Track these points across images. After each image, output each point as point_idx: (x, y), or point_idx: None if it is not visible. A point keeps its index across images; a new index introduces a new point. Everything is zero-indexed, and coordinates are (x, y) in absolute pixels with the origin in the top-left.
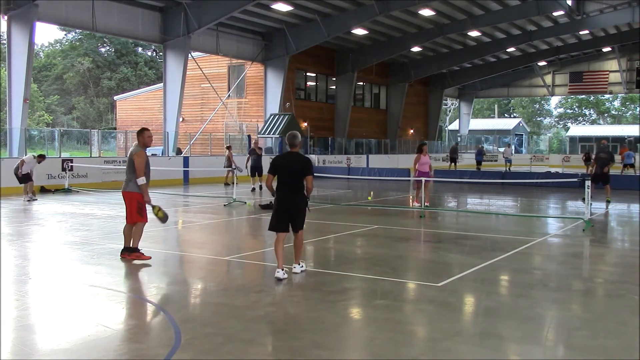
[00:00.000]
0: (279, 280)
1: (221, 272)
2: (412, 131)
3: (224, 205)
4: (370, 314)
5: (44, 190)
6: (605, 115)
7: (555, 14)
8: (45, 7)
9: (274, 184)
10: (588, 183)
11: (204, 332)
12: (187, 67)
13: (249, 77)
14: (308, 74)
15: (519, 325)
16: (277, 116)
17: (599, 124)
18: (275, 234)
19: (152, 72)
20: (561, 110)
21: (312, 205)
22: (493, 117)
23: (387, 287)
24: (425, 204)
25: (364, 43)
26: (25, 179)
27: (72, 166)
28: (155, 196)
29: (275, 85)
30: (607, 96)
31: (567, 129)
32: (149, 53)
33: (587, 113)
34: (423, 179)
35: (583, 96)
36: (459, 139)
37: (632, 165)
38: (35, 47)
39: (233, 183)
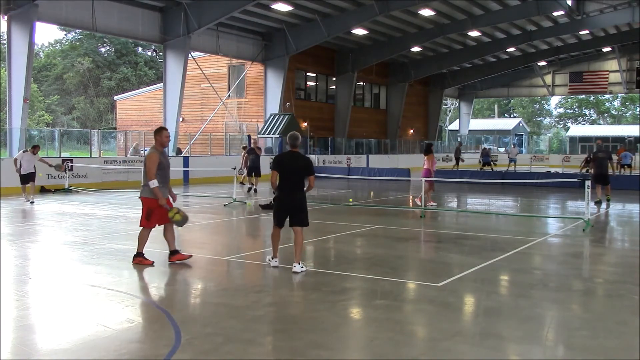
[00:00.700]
0: (271, 267)
1: (221, 272)
2: (412, 131)
3: (224, 205)
4: (370, 314)
5: (44, 190)
6: (605, 115)
7: (555, 14)
8: (45, 7)
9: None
10: (588, 183)
11: (204, 332)
12: (187, 67)
13: (249, 77)
14: (308, 74)
15: (519, 325)
16: (277, 116)
17: (599, 124)
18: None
19: (152, 72)
20: (561, 110)
21: (313, 206)
22: (493, 117)
23: (387, 287)
24: (432, 203)
25: (364, 43)
26: (25, 178)
27: (72, 166)
28: None
29: (275, 85)
30: (607, 96)
31: (567, 129)
32: (149, 53)
33: (587, 113)
34: (433, 179)
35: (583, 96)
36: (459, 138)
37: (630, 166)
38: (35, 47)
39: (243, 183)
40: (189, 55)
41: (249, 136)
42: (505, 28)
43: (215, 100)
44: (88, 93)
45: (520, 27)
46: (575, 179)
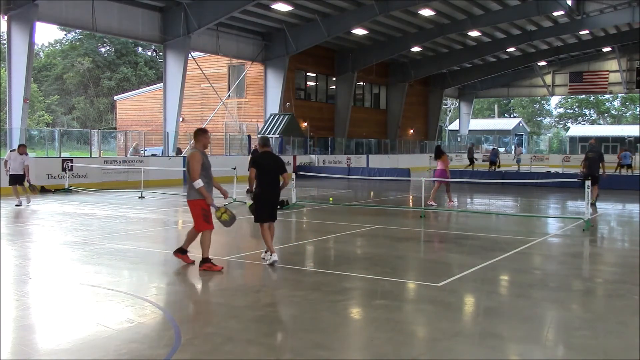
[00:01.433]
0: (274, 263)
1: (221, 272)
2: (412, 131)
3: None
4: (370, 314)
5: (44, 190)
6: (605, 115)
7: (555, 14)
8: (45, 7)
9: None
10: (588, 183)
11: (204, 332)
12: (187, 67)
13: (249, 77)
14: (308, 74)
15: (519, 325)
16: (277, 116)
17: (599, 124)
18: (259, 225)
19: (152, 72)
20: (561, 110)
21: (313, 205)
22: (493, 117)
23: (387, 287)
24: (432, 203)
25: (364, 43)
26: (14, 179)
27: (72, 166)
28: (155, 196)
29: (275, 85)
30: (607, 96)
31: (567, 129)
32: (149, 53)
33: (587, 113)
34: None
35: (583, 96)
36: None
37: (630, 166)
38: (35, 47)
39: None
40: (189, 55)
41: (249, 136)
42: (505, 28)
43: (215, 100)
44: (88, 93)
45: (520, 27)
46: (575, 179)
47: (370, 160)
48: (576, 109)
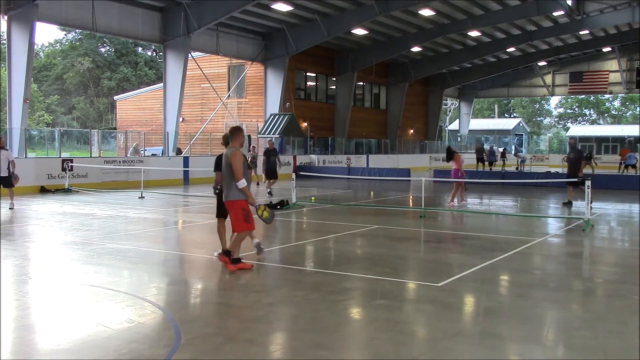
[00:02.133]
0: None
1: (221, 272)
2: (412, 131)
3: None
4: (370, 314)
5: (44, 190)
6: (605, 115)
7: (555, 14)
8: (45, 7)
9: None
10: (588, 183)
11: (204, 332)
12: (187, 67)
13: (249, 77)
14: (308, 74)
15: (519, 325)
16: (277, 116)
17: (599, 124)
18: (216, 219)
19: (152, 72)
20: (561, 110)
21: (313, 205)
22: (493, 117)
23: (387, 287)
24: (454, 203)
25: (364, 43)
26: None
27: (72, 166)
28: (155, 196)
29: (275, 85)
30: (607, 96)
31: (567, 129)
32: (149, 53)
33: (587, 113)
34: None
35: (583, 96)
36: (459, 138)
37: (634, 166)
38: (35, 47)
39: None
40: (189, 55)
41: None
42: (505, 28)
43: (215, 100)
44: (88, 93)
45: (520, 27)
46: (575, 179)
47: (370, 160)
48: (576, 109)
